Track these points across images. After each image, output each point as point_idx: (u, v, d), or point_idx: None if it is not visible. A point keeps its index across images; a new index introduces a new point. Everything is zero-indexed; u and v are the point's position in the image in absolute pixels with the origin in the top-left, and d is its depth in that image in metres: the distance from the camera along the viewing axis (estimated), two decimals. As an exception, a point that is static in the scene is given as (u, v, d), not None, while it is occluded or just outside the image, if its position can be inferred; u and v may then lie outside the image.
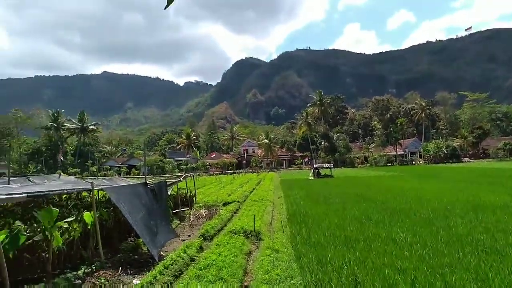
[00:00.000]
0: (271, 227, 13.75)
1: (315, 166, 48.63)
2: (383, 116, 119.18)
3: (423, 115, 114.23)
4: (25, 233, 7.45)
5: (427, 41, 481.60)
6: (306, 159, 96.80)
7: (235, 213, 17.69)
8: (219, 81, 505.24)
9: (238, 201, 21.11)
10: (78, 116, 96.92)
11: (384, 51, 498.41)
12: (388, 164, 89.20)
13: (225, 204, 20.68)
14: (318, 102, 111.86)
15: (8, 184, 17.06)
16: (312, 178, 42.73)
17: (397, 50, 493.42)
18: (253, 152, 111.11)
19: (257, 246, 11.01)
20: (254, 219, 12.64)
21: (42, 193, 8.40)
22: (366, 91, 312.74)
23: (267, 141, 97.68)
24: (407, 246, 8.79)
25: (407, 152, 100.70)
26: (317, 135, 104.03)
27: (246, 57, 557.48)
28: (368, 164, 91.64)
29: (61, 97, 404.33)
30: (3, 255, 6.14)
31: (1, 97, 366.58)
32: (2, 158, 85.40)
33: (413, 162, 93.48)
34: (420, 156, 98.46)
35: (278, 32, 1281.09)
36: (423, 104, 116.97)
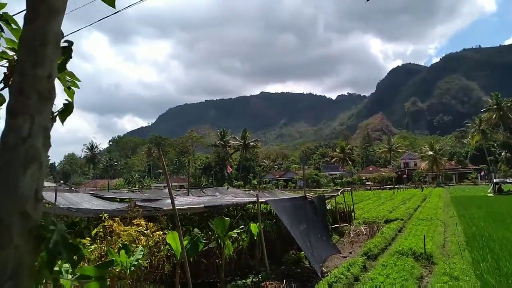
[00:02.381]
0: (445, 250, 12.17)
1: (495, 180, 42.11)
2: None
3: None
4: (203, 240, 8.22)
5: None
6: (482, 173, 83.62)
7: (399, 231, 16.39)
8: (373, 92, 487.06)
9: (402, 219, 19.52)
10: (241, 134, 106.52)
11: None
12: None
13: (387, 222, 19.40)
14: (495, 107, 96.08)
15: (188, 194, 19.63)
16: (491, 194, 37.25)
17: None
18: (415, 165, 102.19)
19: (429, 271, 9.84)
20: (424, 240, 11.33)
21: (217, 205, 9.27)
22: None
23: (431, 153, 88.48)
24: None
25: None
26: (495, 145, 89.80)
27: (402, 64, 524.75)
28: None
29: (224, 117, 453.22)
30: (186, 258, 6.84)
31: (180, 120, 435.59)
32: (182, 172, 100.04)
33: None
34: None
35: (437, 34, 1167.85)
36: None
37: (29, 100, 1.41)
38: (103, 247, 6.73)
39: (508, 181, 43.01)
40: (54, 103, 1.51)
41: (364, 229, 17.03)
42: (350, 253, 13.19)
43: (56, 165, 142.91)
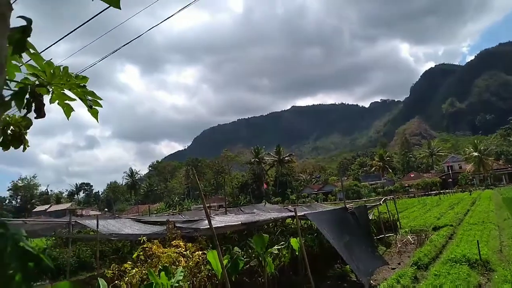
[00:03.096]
0: (503, 255, 11.34)
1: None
2: None
3: None
4: (243, 259, 8.06)
5: None
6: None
7: (449, 238, 15.52)
8: (407, 96, 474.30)
9: (451, 225, 18.52)
10: (275, 150, 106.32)
11: None
12: None
13: (435, 229, 18.47)
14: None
15: (226, 213, 19.59)
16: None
17: None
18: (460, 168, 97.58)
19: (487, 279, 9.15)
20: (478, 245, 10.59)
21: (253, 221, 9.12)
22: None
23: (476, 154, 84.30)
24: None
25: None
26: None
27: (435, 65, 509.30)
28: None
29: (257, 134, 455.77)
30: (227, 278, 6.69)
31: (215, 140, 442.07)
32: (220, 192, 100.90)
33: None
34: None
35: (469, 32, 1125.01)
36: None
37: None
38: (143, 271, 6.72)
39: None
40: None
41: (411, 238, 16.24)
42: (399, 264, 12.56)
43: (100, 193, 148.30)
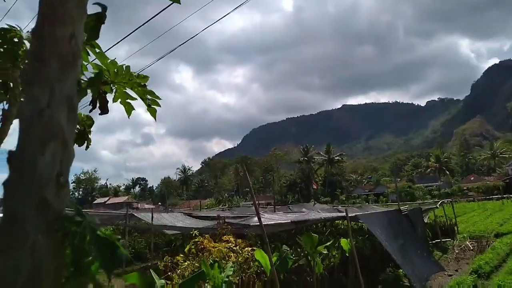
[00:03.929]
0: None
1: None
2: None
3: None
4: (291, 257, 8.03)
5: None
6: None
7: (514, 246, 14.38)
8: (468, 94, 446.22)
9: (517, 232, 17.18)
10: (325, 149, 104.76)
11: None
12: None
13: (497, 235, 17.27)
14: None
15: (274, 211, 19.63)
16: None
17: None
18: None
19: (559, 292, 8.37)
20: (548, 255, 9.75)
21: (303, 220, 9.06)
22: None
23: (544, 156, 77.77)
24: None
25: None
26: None
27: (500, 61, 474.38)
28: None
29: (306, 133, 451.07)
30: (276, 275, 6.70)
31: (264, 139, 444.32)
32: (268, 190, 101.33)
33: None
34: None
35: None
36: None
37: (47, 66, 1.17)
38: (195, 263, 6.92)
39: None
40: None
41: (470, 244, 15.31)
42: (456, 270, 11.90)
43: (154, 188, 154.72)
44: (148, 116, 2.87)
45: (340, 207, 26.43)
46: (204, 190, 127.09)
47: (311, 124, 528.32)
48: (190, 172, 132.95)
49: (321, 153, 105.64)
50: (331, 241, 9.91)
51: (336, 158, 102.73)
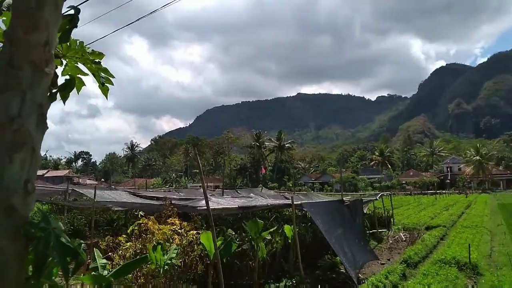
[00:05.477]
0: (492, 261, 11.47)
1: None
2: None
3: None
4: (236, 241, 8.15)
5: None
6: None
7: (441, 239, 15.69)
8: (415, 93, 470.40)
9: (445, 226, 18.69)
10: (276, 135, 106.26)
11: None
12: None
13: (428, 228, 18.64)
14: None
15: (222, 195, 19.72)
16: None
17: None
18: (459, 170, 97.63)
19: (474, 282, 9.26)
20: (469, 248, 10.69)
21: (250, 206, 9.19)
22: None
23: (477, 157, 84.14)
24: None
25: None
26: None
27: (446, 64, 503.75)
28: None
29: (260, 119, 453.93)
30: (219, 259, 6.78)
31: (217, 121, 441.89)
32: (218, 173, 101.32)
33: None
34: None
35: (483, 34, 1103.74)
36: None
37: (20, 72, 1.16)
38: (138, 245, 6.81)
39: None
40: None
41: (403, 235, 16.37)
42: (389, 259, 12.71)
43: (98, 163, 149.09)
44: (96, 87, 2.72)
45: (286, 193, 27.05)
46: (151, 169, 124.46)
47: (265, 110, 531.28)
48: (138, 149, 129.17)
49: (273, 139, 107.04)
50: (275, 227, 10.18)
51: (286, 145, 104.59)
